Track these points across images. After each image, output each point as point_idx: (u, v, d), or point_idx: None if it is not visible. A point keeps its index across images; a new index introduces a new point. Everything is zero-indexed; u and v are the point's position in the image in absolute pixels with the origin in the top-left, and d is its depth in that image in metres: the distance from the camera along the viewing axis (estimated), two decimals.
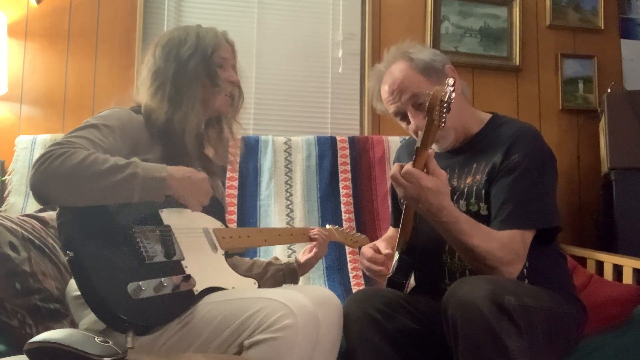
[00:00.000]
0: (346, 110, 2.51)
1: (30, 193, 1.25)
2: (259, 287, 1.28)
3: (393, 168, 1.17)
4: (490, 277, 1.13)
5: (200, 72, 1.30)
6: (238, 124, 1.44)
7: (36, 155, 1.97)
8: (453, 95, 1.13)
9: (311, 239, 1.52)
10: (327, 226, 1.61)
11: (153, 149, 1.26)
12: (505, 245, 1.19)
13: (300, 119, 2.47)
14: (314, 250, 1.51)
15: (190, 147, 1.29)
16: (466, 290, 1.07)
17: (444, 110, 1.13)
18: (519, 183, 1.24)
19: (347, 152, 2.23)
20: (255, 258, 1.55)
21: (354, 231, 1.70)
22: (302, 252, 1.53)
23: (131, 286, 1.04)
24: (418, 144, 1.15)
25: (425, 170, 1.15)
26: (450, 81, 1.15)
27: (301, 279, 1.96)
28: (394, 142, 2.25)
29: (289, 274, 1.50)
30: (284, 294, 1.11)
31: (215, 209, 1.34)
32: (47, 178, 1.04)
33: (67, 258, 1.05)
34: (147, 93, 1.30)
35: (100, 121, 1.19)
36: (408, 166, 1.14)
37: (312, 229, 1.54)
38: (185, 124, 1.27)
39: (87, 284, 1.03)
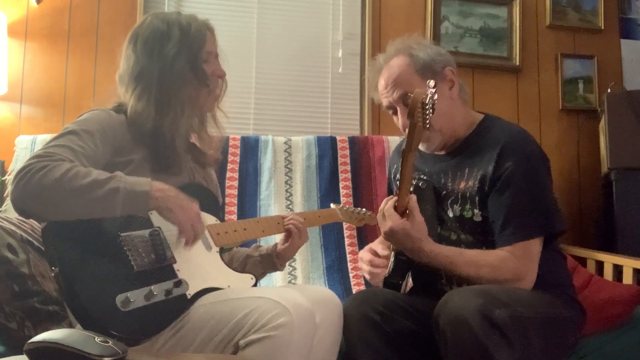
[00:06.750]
0: (346, 110, 2.51)
1: None
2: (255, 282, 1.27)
3: (382, 203, 1.26)
4: (482, 289, 1.12)
5: (187, 72, 1.25)
6: (221, 111, 1.38)
7: None
8: (436, 97, 1.14)
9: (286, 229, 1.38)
10: (332, 205, 1.56)
11: (138, 148, 1.22)
12: (496, 267, 1.21)
13: (300, 119, 2.46)
14: (290, 240, 1.37)
15: (179, 149, 1.26)
16: (457, 303, 1.08)
17: (427, 111, 1.14)
18: (517, 194, 1.24)
19: (347, 152, 2.23)
20: (236, 249, 1.45)
21: (359, 208, 1.62)
22: (280, 241, 1.40)
23: (119, 298, 1.01)
24: (403, 146, 1.17)
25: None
26: (432, 83, 1.16)
27: (301, 278, 1.96)
28: (394, 142, 2.24)
29: (269, 266, 1.41)
30: (279, 292, 1.09)
31: (209, 202, 1.31)
32: (27, 193, 1.00)
33: (52, 275, 1.03)
34: (132, 95, 1.24)
35: (79, 127, 1.15)
36: (387, 204, 1.24)
37: (287, 217, 1.39)
38: (175, 130, 1.23)
39: (74, 300, 1.01)
